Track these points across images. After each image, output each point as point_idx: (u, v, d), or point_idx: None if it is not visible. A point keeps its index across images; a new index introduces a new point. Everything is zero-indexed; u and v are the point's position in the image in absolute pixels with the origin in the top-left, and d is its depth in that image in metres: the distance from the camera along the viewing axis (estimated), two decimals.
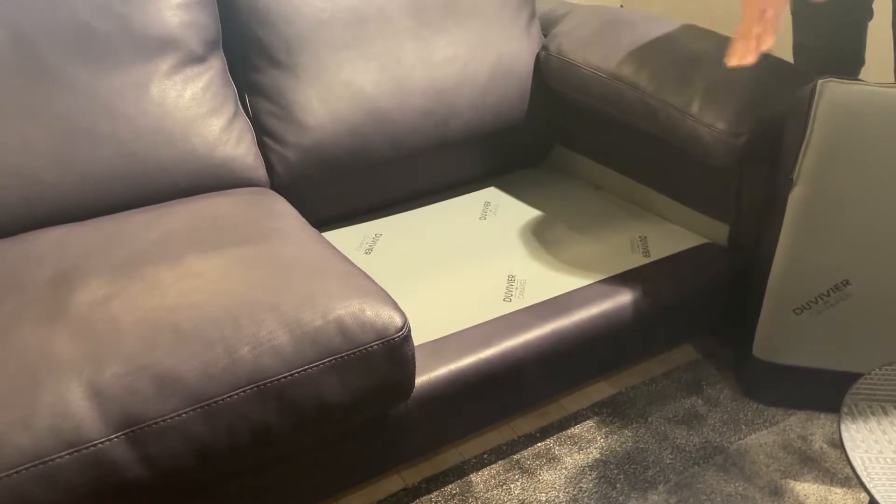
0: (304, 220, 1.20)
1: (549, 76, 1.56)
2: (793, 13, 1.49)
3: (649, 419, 1.32)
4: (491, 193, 1.63)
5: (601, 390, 1.40)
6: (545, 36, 1.63)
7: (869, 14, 1.39)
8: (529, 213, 1.54)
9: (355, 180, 1.46)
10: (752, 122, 1.23)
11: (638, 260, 1.36)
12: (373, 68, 1.42)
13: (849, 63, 1.42)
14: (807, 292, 1.19)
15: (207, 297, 0.92)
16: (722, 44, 1.39)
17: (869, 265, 1.14)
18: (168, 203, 1.19)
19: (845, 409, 0.80)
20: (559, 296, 1.25)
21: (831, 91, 1.06)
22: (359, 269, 1.06)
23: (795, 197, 1.14)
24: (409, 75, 1.45)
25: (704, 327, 1.43)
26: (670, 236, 1.44)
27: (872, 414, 0.79)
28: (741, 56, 1.09)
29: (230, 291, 0.94)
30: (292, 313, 0.93)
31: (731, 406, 1.34)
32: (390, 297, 1.00)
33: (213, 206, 1.16)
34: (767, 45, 1.07)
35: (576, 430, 1.31)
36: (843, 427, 0.78)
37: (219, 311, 0.91)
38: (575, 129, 1.68)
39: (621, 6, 2.47)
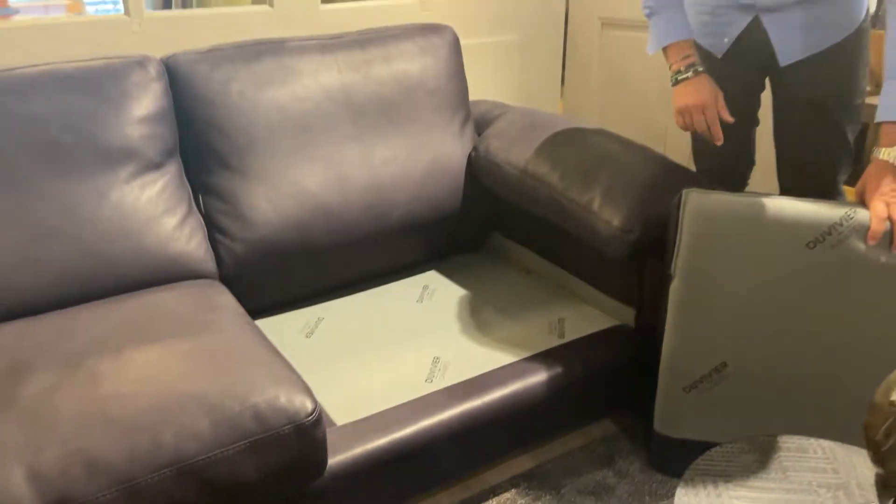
0: (242, 310, 1.34)
1: (479, 174, 1.73)
2: None
3: (562, 491, 1.43)
4: (430, 277, 1.78)
5: (522, 464, 1.51)
6: (479, 135, 1.81)
7: (755, 122, 1.57)
8: (463, 296, 1.68)
9: (300, 269, 1.60)
10: (643, 220, 1.39)
11: (553, 341, 1.50)
12: (318, 169, 1.59)
13: (741, 165, 1.59)
14: (692, 373, 1.32)
15: (139, 387, 1.06)
16: (628, 147, 1.56)
17: (741, 349, 1.27)
18: (118, 297, 1.33)
19: (682, 483, 0.92)
20: (475, 377, 1.38)
21: (693, 200, 1.22)
22: (282, 358, 1.19)
23: (674, 289, 1.28)
24: (351, 174, 1.62)
25: (617, 404, 1.55)
26: (586, 318, 1.58)
27: (704, 487, 0.91)
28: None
29: (161, 381, 1.07)
30: (215, 401, 1.06)
31: (639, 478, 1.46)
32: (305, 385, 1.13)
33: (158, 300, 1.30)
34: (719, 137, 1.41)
35: (493, 502, 1.41)
36: (676, 498, 0.90)
37: (148, 399, 1.04)
38: (508, 218, 1.84)
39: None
